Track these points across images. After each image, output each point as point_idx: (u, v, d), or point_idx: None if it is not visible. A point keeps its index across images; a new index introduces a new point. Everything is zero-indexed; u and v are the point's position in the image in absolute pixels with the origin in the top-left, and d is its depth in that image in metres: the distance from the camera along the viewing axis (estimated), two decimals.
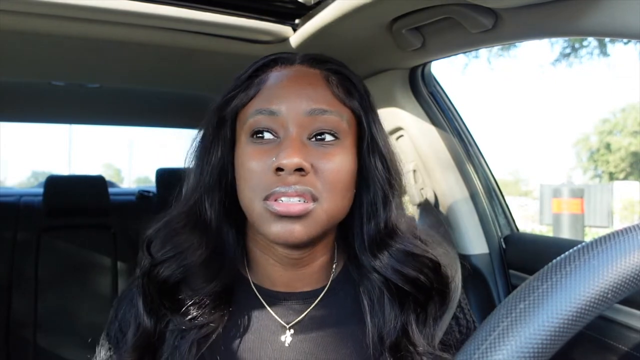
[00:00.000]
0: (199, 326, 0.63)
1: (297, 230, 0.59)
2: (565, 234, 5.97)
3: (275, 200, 0.58)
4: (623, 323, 0.85)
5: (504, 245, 1.23)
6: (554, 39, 8.61)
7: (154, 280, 0.65)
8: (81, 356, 2.20)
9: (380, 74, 1.21)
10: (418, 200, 1.25)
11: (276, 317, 0.66)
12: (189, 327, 0.63)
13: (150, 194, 2.39)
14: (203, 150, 0.66)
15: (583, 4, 0.67)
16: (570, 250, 0.33)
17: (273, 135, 0.61)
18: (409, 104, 1.23)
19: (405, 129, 1.23)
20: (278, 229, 0.59)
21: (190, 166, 0.67)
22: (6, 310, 1.94)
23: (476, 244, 1.22)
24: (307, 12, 1.02)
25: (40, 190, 2.20)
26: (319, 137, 0.61)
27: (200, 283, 0.64)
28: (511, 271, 1.20)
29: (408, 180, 1.23)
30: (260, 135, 0.61)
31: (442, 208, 1.24)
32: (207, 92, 1.81)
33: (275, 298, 0.67)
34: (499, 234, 1.25)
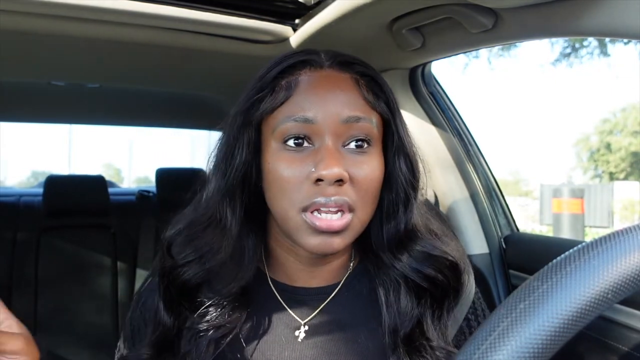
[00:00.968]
0: (217, 326, 0.64)
1: (337, 243, 0.60)
2: (566, 234, 5.97)
3: (314, 211, 0.59)
4: (623, 323, 0.85)
5: (504, 245, 1.23)
6: (554, 39, 8.61)
7: (175, 283, 0.65)
8: (81, 356, 2.20)
9: (380, 74, 1.20)
10: (418, 200, 1.25)
11: (292, 313, 0.68)
12: (208, 328, 0.64)
13: (150, 194, 2.39)
14: (226, 154, 0.64)
15: (583, 4, 0.67)
16: (571, 250, 0.33)
17: (308, 142, 0.60)
18: (409, 104, 1.23)
19: None
20: (317, 242, 0.60)
21: (212, 168, 0.66)
22: None
23: (476, 244, 1.22)
24: (307, 12, 1.02)
25: (40, 190, 2.20)
26: (354, 144, 0.61)
27: (219, 285, 0.65)
28: (511, 271, 1.20)
29: None
30: (296, 142, 0.60)
31: (442, 208, 1.24)
32: (207, 92, 1.81)
33: (292, 293, 0.69)
34: (499, 234, 1.25)
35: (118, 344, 0.75)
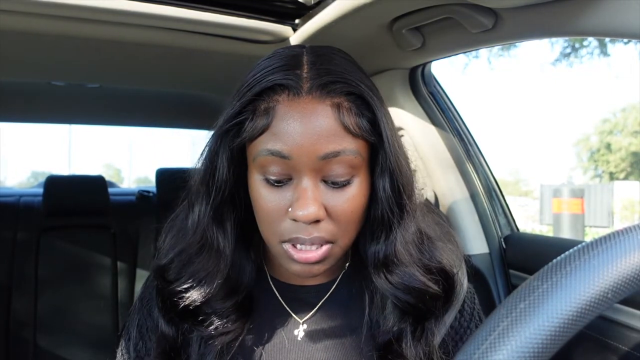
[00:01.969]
0: (224, 332, 0.65)
1: (316, 269, 0.61)
2: (566, 234, 5.97)
3: (293, 245, 0.59)
4: (623, 323, 0.85)
5: (504, 245, 1.23)
6: (554, 39, 8.60)
7: (175, 309, 0.66)
8: (81, 356, 2.19)
9: (380, 74, 1.21)
10: (418, 200, 1.25)
11: (291, 312, 0.69)
12: (215, 335, 0.65)
13: (150, 194, 2.39)
14: (208, 175, 0.62)
15: (583, 4, 0.67)
16: (570, 250, 0.33)
17: (287, 180, 0.59)
18: (409, 104, 1.23)
19: (405, 129, 1.23)
20: (298, 268, 0.61)
21: (194, 189, 0.65)
22: (6, 310, 1.94)
23: (476, 244, 1.22)
24: (307, 12, 1.02)
25: (40, 190, 2.20)
26: (333, 181, 0.58)
27: (221, 302, 0.66)
28: (511, 271, 1.20)
29: None
30: (275, 181, 0.59)
31: (442, 208, 1.24)
32: (207, 92, 1.81)
33: (290, 292, 0.70)
34: (499, 234, 1.25)
35: (118, 349, 0.74)
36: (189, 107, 2.16)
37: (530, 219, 11.67)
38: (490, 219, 1.24)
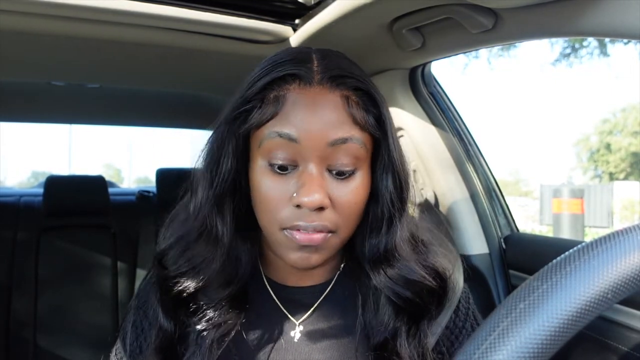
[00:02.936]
0: (217, 324, 0.65)
1: (314, 259, 0.61)
2: (566, 234, 5.97)
3: (296, 230, 0.59)
4: (623, 323, 0.85)
5: (504, 246, 1.23)
6: (554, 39, 8.60)
7: (170, 293, 0.66)
8: (81, 356, 2.19)
9: (380, 74, 1.21)
10: (418, 200, 1.25)
11: (287, 313, 0.69)
12: (208, 328, 0.65)
13: (150, 194, 2.39)
14: (211, 163, 0.63)
15: (583, 4, 0.67)
16: (570, 251, 0.33)
17: (293, 166, 0.59)
18: (409, 104, 1.23)
19: (405, 129, 1.23)
20: (296, 257, 0.61)
21: (198, 175, 0.65)
22: (6, 310, 1.94)
23: (476, 244, 1.22)
24: (307, 12, 1.02)
25: (40, 190, 2.20)
26: (339, 172, 0.59)
27: (215, 292, 0.66)
28: (511, 271, 1.20)
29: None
30: (281, 168, 0.59)
31: (442, 208, 1.24)
32: (207, 92, 1.81)
33: (286, 292, 0.70)
34: (499, 234, 1.25)
35: (113, 348, 0.75)
36: (189, 107, 2.16)
37: (530, 219, 11.67)
38: (490, 219, 1.24)
